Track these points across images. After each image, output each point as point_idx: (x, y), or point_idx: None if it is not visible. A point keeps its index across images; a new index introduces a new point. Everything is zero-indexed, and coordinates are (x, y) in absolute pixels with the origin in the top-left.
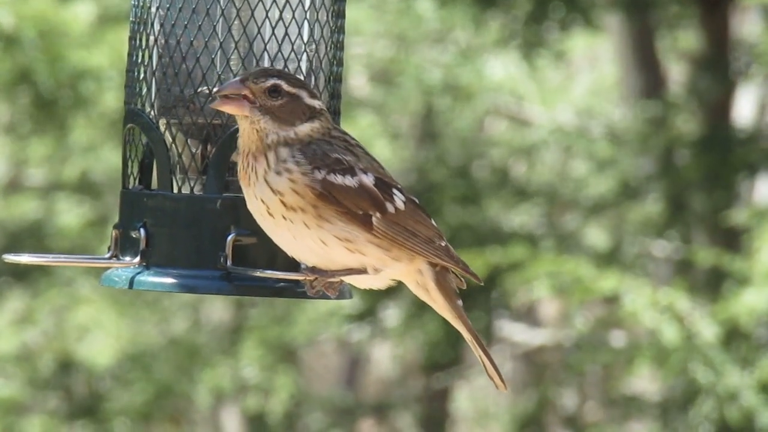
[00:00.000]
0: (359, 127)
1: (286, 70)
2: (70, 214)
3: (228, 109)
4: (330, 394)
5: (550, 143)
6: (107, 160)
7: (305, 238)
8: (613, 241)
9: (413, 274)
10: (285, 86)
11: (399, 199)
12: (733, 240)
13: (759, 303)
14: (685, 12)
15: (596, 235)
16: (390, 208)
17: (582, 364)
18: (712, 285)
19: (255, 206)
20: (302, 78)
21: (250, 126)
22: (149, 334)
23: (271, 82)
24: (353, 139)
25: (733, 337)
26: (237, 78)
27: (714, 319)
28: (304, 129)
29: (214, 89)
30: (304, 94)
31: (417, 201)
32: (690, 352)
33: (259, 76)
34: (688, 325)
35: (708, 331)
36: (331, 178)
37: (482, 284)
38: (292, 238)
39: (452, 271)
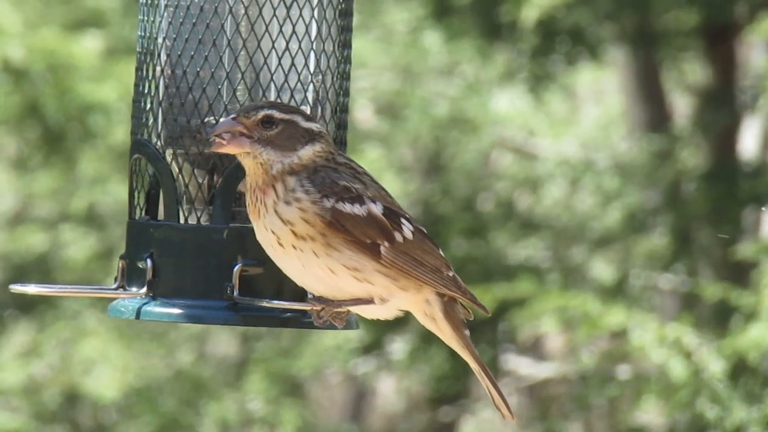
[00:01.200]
0: (366, 160)
1: (293, 102)
2: (76, 246)
3: (228, 150)
4: (336, 428)
5: (556, 176)
6: (114, 192)
7: (314, 266)
8: (619, 274)
9: (421, 304)
10: (277, 114)
11: (407, 229)
12: (739, 273)
13: (766, 338)
14: (690, 45)
15: (602, 268)
16: (398, 237)
17: (588, 397)
18: (719, 319)
19: (264, 237)
20: (309, 108)
21: (253, 161)
22: (155, 366)
23: (262, 113)
24: (360, 166)
25: (741, 371)
26: (228, 117)
27: (721, 354)
28: (307, 153)
29: (214, 120)
30: (298, 118)
31: (425, 230)
32: (697, 387)
33: (249, 111)
34: (696, 360)
35: (715, 365)
36: (340, 206)
37: (489, 315)
38: (301, 267)
39: (460, 302)
